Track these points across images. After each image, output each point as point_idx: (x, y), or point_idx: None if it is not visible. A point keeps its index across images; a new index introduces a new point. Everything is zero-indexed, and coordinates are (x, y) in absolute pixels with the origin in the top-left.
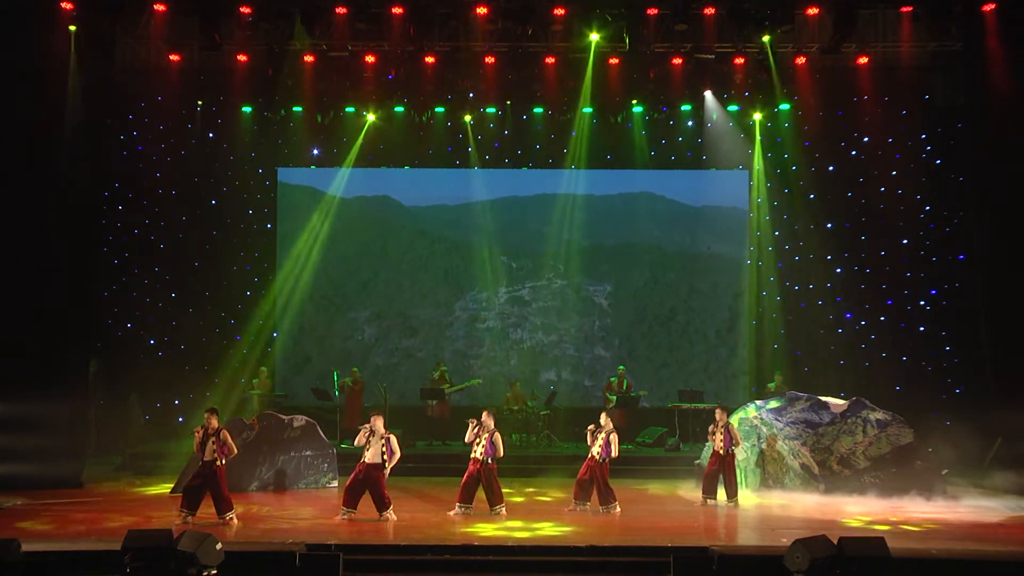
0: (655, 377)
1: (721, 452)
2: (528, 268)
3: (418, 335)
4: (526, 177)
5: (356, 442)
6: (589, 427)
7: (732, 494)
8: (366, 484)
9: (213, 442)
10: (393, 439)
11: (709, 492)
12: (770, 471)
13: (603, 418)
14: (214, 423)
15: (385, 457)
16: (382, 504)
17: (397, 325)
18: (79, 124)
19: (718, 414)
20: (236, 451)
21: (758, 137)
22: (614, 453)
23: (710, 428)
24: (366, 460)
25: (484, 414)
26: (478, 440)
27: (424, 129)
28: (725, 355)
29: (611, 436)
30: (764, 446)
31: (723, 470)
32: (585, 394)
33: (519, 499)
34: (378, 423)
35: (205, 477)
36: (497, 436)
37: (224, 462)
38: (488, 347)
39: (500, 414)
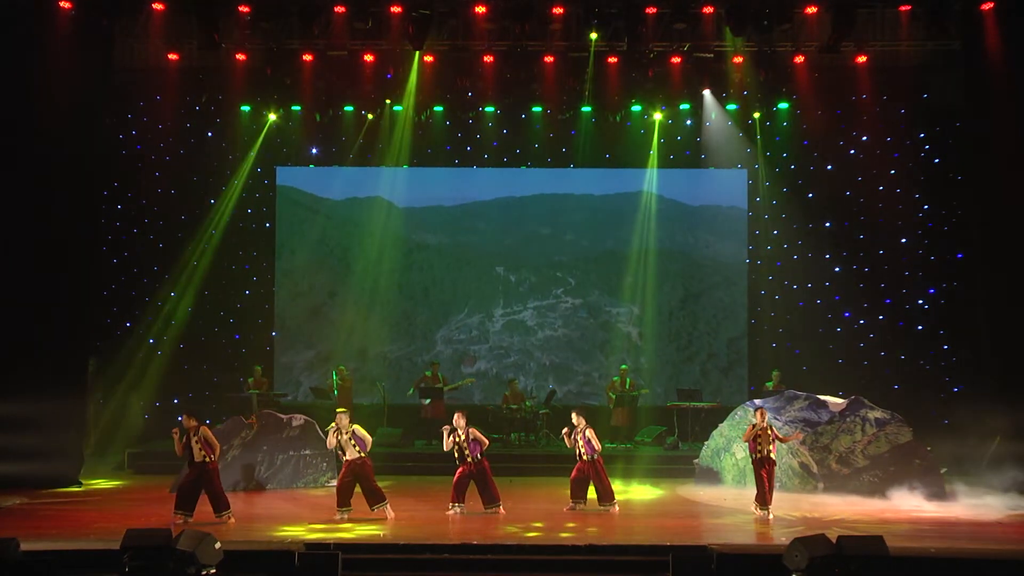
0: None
1: (773, 456)
2: (531, 283)
3: (376, 392)
4: (525, 177)
5: (328, 445)
6: (564, 430)
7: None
8: (356, 480)
9: (196, 442)
10: (357, 428)
11: (764, 500)
12: None
13: (575, 417)
14: (193, 423)
15: (358, 449)
16: (374, 497)
17: (349, 375)
18: (78, 123)
19: (759, 416)
20: (219, 445)
21: (765, 136)
22: (597, 447)
23: (755, 433)
24: (347, 458)
25: (456, 416)
26: (457, 444)
27: (423, 128)
28: (723, 354)
29: (587, 432)
30: None
31: (768, 473)
32: (585, 394)
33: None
34: (343, 419)
35: (198, 477)
36: (473, 431)
37: (214, 459)
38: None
39: (499, 413)
